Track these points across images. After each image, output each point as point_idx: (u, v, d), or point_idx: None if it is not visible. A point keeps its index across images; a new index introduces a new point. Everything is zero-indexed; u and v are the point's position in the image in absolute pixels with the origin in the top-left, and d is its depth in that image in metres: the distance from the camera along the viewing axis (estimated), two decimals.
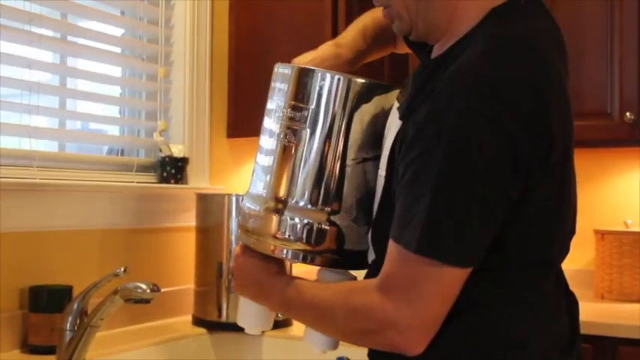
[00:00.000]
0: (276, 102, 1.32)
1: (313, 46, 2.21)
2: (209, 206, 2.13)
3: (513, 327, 1.16)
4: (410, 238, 1.08)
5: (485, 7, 1.17)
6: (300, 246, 1.27)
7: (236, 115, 2.53)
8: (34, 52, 1.96)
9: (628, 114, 2.48)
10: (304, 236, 1.27)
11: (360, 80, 1.28)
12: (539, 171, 1.09)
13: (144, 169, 2.27)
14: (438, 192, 1.06)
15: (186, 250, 2.25)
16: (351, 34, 1.49)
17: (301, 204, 1.28)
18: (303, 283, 1.27)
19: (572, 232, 1.27)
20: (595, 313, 2.34)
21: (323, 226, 1.27)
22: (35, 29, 1.97)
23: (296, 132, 1.28)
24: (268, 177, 1.31)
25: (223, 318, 2.07)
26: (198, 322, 2.11)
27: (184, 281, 2.24)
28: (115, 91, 2.34)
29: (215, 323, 2.08)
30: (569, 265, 1.33)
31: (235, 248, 1.38)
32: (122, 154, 2.30)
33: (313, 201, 1.27)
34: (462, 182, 1.06)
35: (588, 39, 2.55)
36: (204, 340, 2.06)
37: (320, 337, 1.36)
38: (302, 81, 1.29)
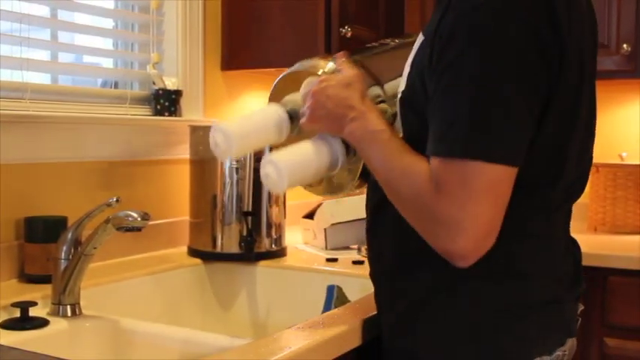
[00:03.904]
0: None
1: None
2: (203, 138, 2.15)
3: (518, 258, 1.18)
4: (455, 146, 1.08)
5: None
6: None
7: (230, 48, 2.52)
8: None
9: (625, 45, 2.48)
10: None
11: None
12: (558, 71, 1.11)
13: (138, 101, 2.28)
14: (478, 91, 1.08)
15: (180, 182, 2.28)
16: None
17: None
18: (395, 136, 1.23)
19: (589, 160, 1.29)
20: (587, 244, 2.38)
21: None
22: None
23: None
24: None
25: (218, 248, 2.11)
26: (193, 252, 2.15)
27: (179, 213, 2.27)
28: (107, 23, 2.34)
29: (209, 254, 2.12)
30: None
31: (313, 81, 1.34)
32: (116, 86, 2.31)
33: None
34: (499, 78, 1.07)
35: None
36: (199, 269, 2.10)
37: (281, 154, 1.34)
38: None
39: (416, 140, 1.19)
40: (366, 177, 1.39)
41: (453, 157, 1.08)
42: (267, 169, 1.31)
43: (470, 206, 1.07)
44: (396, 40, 1.56)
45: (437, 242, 1.12)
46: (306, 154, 1.33)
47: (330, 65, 1.42)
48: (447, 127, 1.10)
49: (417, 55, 1.22)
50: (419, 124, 1.18)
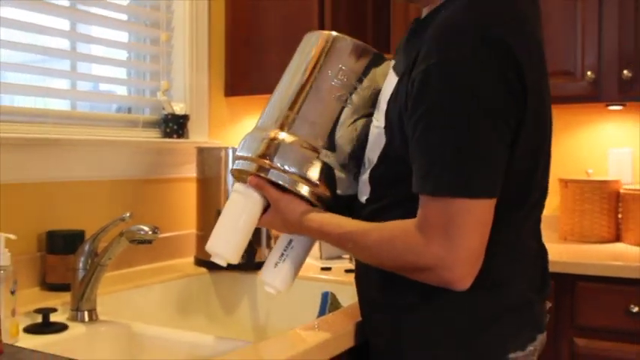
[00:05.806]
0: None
1: (305, 7, 2.19)
2: (208, 159, 2.16)
3: (495, 269, 1.17)
4: (439, 184, 1.08)
5: None
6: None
7: (233, 76, 2.54)
8: (47, 19, 1.97)
9: (589, 73, 2.50)
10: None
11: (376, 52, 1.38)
12: (524, 109, 1.11)
13: (149, 125, 2.30)
14: (454, 134, 1.07)
15: (187, 198, 2.29)
16: None
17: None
18: (335, 226, 1.27)
19: (546, 178, 1.29)
20: (558, 253, 2.39)
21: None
22: None
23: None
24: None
25: None
26: (199, 262, 2.15)
27: (187, 226, 2.28)
28: (122, 55, 2.36)
29: (214, 263, 2.09)
30: None
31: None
32: (129, 112, 2.32)
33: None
34: (473, 121, 1.07)
35: (554, 3, 2.55)
36: (205, 278, 2.10)
37: (276, 278, 1.39)
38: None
39: (396, 163, 1.21)
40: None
41: (439, 195, 1.09)
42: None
43: (460, 239, 1.08)
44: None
45: (434, 276, 1.12)
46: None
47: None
48: (429, 169, 1.10)
49: (392, 95, 1.21)
50: (398, 151, 1.20)
